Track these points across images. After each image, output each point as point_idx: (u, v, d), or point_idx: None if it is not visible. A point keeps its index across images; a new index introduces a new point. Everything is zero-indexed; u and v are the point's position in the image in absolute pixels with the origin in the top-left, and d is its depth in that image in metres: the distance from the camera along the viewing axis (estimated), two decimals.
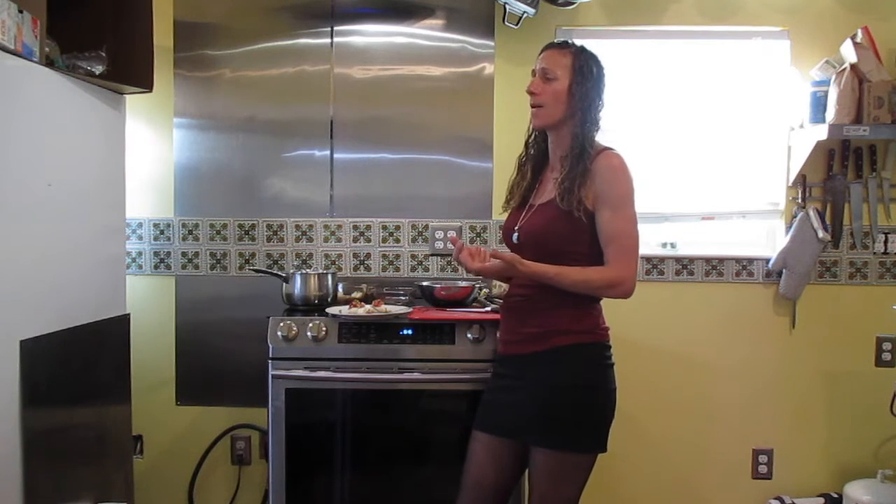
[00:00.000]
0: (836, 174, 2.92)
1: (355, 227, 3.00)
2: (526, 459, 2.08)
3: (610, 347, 2.07)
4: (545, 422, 2.00)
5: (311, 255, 3.00)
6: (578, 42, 2.12)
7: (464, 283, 2.70)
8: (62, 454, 2.14)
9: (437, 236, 2.97)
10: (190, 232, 3.00)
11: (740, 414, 3.00)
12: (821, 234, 2.84)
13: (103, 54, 2.31)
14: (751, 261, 2.99)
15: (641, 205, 2.85)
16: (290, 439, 2.42)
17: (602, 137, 2.07)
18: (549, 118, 2.04)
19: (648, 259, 2.99)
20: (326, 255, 3.00)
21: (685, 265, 3.00)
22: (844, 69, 2.70)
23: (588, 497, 2.16)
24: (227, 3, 2.96)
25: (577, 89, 2.01)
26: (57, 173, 2.11)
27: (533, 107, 2.06)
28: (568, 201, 1.95)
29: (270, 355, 2.42)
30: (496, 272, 2.01)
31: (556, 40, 2.13)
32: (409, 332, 2.44)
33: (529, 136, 2.18)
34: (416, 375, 2.40)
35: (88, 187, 2.31)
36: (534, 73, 2.08)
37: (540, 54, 2.09)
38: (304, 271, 2.70)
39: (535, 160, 2.16)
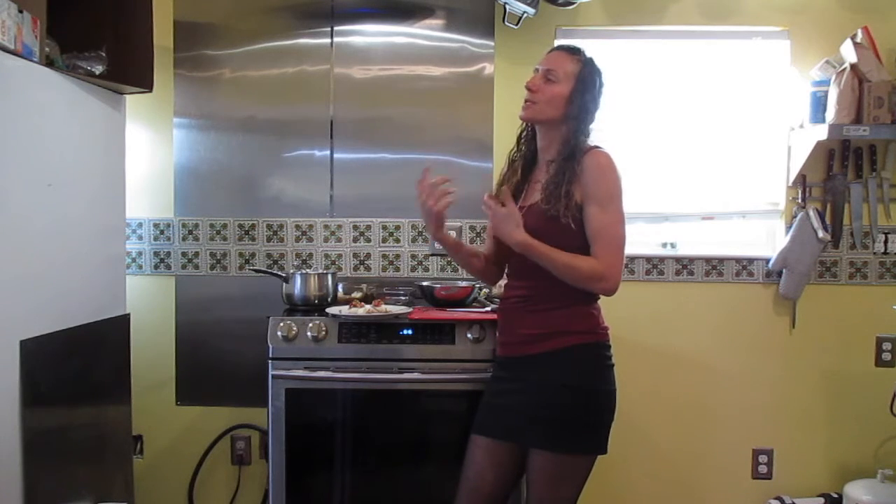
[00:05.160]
0: (836, 174, 2.92)
1: (355, 227, 3.00)
2: (525, 463, 2.06)
3: (610, 347, 2.07)
4: (545, 423, 2.00)
5: (311, 255, 3.00)
6: (578, 42, 2.12)
7: (464, 283, 2.70)
8: (62, 454, 2.14)
9: None
10: (190, 232, 3.00)
11: (740, 414, 3.00)
12: (821, 234, 2.84)
13: (103, 54, 2.31)
14: (751, 261, 2.99)
15: (641, 205, 2.89)
16: (290, 439, 2.42)
17: (602, 137, 2.07)
18: (538, 114, 2.04)
19: (648, 259, 2.99)
20: (326, 255, 3.00)
21: (685, 265, 3.00)
22: (844, 69, 2.70)
23: (588, 497, 2.16)
24: (227, 3, 2.96)
25: (577, 98, 2.01)
26: (57, 173, 2.11)
27: (526, 100, 2.05)
28: (554, 206, 1.95)
29: (270, 355, 2.42)
30: (496, 213, 1.94)
31: (566, 44, 2.13)
32: (409, 332, 2.44)
33: (521, 133, 2.17)
34: (416, 375, 2.40)
35: (88, 187, 2.31)
36: (536, 69, 2.08)
37: (548, 53, 2.10)
38: (304, 271, 2.70)
39: (525, 158, 2.15)
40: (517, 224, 1.92)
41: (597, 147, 2.03)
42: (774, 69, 2.97)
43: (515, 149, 2.19)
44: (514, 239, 1.94)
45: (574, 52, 2.07)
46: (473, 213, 2.92)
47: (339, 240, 3.00)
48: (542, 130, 2.09)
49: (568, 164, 1.98)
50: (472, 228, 2.97)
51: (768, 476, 3.00)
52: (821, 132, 2.73)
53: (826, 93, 2.78)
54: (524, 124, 2.16)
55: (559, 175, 1.97)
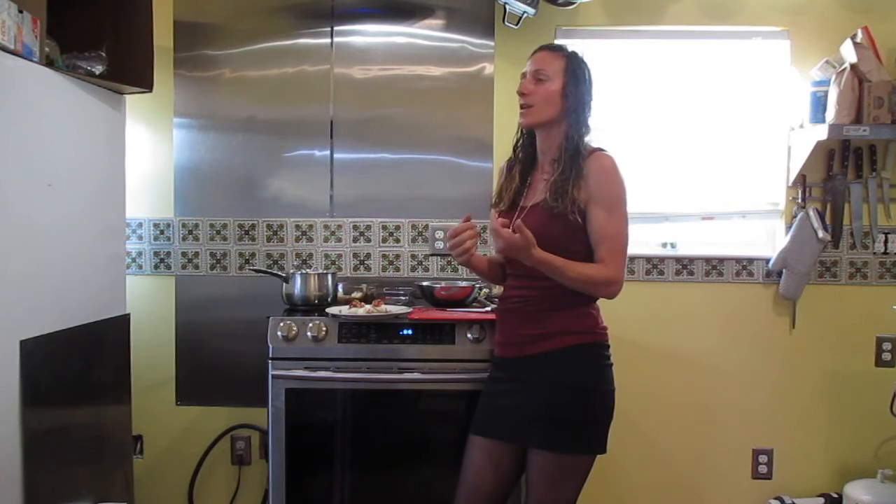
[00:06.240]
0: (836, 174, 2.92)
1: (355, 227, 3.00)
2: (524, 463, 2.06)
3: (609, 347, 2.07)
4: (544, 423, 2.00)
5: (311, 255, 3.00)
6: (578, 42, 2.12)
7: (464, 283, 2.70)
8: (62, 454, 2.14)
9: (437, 236, 2.97)
10: (190, 232, 3.00)
11: (740, 414, 3.00)
12: (821, 234, 2.84)
13: (103, 54, 2.31)
14: (751, 261, 2.99)
15: (641, 205, 2.90)
16: (290, 439, 2.42)
17: (601, 137, 2.07)
18: (538, 117, 2.04)
19: (648, 259, 2.99)
20: (326, 255, 3.00)
21: (685, 265, 3.00)
22: (844, 69, 2.70)
23: (589, 497, 2.16)
24: (227, 3, 2.96)
25: (570, 91, 2.02)
26: (57, 173, 2.11)
27: (522, 107, 2.06)
28: (562, 203, 1.96)
29: (270, 355, 2.42)
30: (511, 244, 1.91)
31: (547, 43, 2.14)
32: (409, 332, 2.44)
33: (518, 140, 2.18)
34: (416, 375, 2.40)
35: (88, 187, 2.31)
36: (523, 75, 2.08)
37: (531, 56, 2.10)
38: (304, 271, 2.70)
39: (523, 163, 2.15)
40: (534, 245, 1.90)
41: (600, 150, 2.03)
42: (774, 69, 2.97)
43: (512, 157, 2.19)
44: (531, 260, 1.93)
45: (556, 49, 2.09)
46: (473, 213, 2.90)
47: (339, 240, 3.00)
48: (542, 133, 2.09)
49: (573, 161, 1.98)
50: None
51: (768, 476, 3.00)
52: (821, 132, 2.73)
53: (826, 93, 2.78)
54: (519, 132, 2.16)
55: (566, 172, 1.98)
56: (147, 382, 2.91)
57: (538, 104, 2.03)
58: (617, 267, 1.97)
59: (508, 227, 2.04)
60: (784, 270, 2.92)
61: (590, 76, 2.07)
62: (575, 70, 2.04)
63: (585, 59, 2.08)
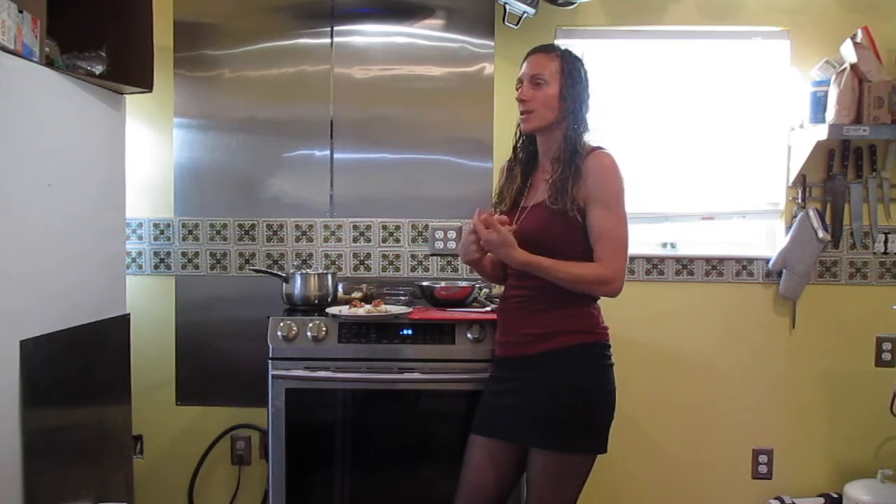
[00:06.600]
0: (836, 174, 2.92)
1: (355, 227, 3.00)
2: (525, 463, 2.07)
3: (609, 347, 2.07)
4: (545, 423, 2.00)
5: (311, 255, 3.00)
6: (578, 42, 2.13)
7: (464, 283, 2.70)
8: (62, 454, 2.14)
9: (437, 236, 2.97)
10: (190, 232, 3.00)
11: (740, 414, 3.00)
12: (821, 234, 2.84)
13: (103, 54, 2.32)
14: (751, 261, 2.99)
15: (641, 205, 2.90)
16: (290, 439, 2.42)
17: (601, 137, 2.08)
18: (539, 122, 2.05)
19: (648, 259, 2.99)
20: (326, 255, 3.00)
21: (685, 265, 3.00)
22: (844, 69, 2.70)
23: (588, 497, 2.16)
24: (227, 3, 2.96)
25: (568, 93, 2.03)
26: (57, 173, 2.11)
27: (523, 112, 2.07)
28: (562, 202, 1.96)
29: (270, 355, 2.42)
30: (487, 240, 1.98)
31: (540, 45, 2.14)
32: (409, 332, 2.44)
33: (517, 141, 2.18)
34: (416, 375, 2.40)
35: (88, 187, 2.31)
36: (520, 80, 2.08)
37: (526, 59, 2.10)
38: (304, 271, 2.70)
39: (524, 164, 2.16)
40: (513, 245, 1.96)
41: (600, 148, 2.04)
42: (774, 69, 2.97)
43: (512, 157, 2.19)
44: (515, 261, 1.98)
45: (549, 49, 2.09)
46: (473, 213, 2.92)
47: (339, 240, 3.00)
48: (542, 135, 2.09)
49: (572, 160, 1.99)
50: None
51: (768, 476, 3.00)
52: (821, 132, 2.73)
53: (826, 93, 2.78)
54: (518, 133, 2.16)
55: (565, 172, 1.99)
56: (147, 382, 2.91)
57: (538, 109, 2.04)
58: (614, 266, 1.97)
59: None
60: (784, 270, 2.92)
61: (585, 74, 2.08)
62: (571, 71, 2.05)
63: (580, 57, 2.09)
